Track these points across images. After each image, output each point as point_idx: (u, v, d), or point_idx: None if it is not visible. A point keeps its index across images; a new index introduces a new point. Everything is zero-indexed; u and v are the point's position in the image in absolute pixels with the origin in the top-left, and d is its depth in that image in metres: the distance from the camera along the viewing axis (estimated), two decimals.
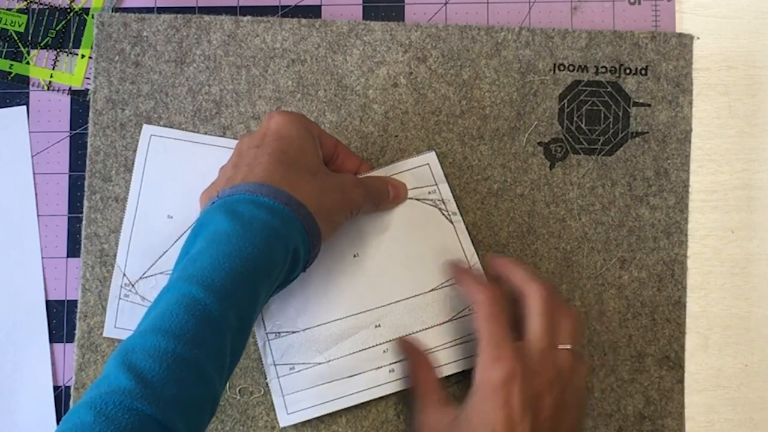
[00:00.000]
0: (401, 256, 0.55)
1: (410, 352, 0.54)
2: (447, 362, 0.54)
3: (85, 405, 0.37)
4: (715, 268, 0.57)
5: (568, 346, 0.49)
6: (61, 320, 0.58)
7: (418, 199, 0.56)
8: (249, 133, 0.53)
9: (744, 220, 0.58)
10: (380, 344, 0.54)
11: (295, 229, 0.45)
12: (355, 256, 0.55)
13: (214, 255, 0.42)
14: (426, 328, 0.55)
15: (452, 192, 0.56)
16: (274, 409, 0.55)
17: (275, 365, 0.54)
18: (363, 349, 0.54)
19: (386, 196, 0.54)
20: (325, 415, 0.54)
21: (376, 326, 0.54)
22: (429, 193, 0.56)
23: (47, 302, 0.58)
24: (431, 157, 0.56)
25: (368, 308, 0.55)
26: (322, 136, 0.51)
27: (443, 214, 0.56)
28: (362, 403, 0.54)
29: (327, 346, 0.54)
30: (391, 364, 0.54)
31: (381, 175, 0.56)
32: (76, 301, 0.57)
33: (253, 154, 0.48)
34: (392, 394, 0.54)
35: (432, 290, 0.55)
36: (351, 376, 0.54)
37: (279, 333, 0.54)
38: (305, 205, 0.46)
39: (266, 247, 0.43)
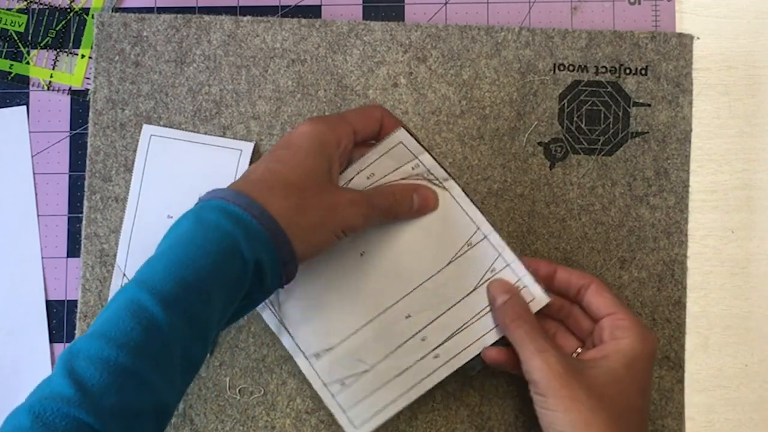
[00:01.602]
0: (408, 240, 0.53)
1: (501, 290, 0.51)
2: (485, 332, 0.52)
3: (24, 409, 0.37)
4: (715, 268, 0.57)
5: None
6: (61, 320, 0.58)
7: (404, 179, 0.53)
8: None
9: (744, 220, 0.58)
10: (416, 334, 0.52)
11: (259, 243, 0.43)
12: (362, 254, 0.54)
13: (167, 261, 0.42)
14: (455, 304, 0.52)
15: (435, 159, 0.53)
16: (274, 409, 0.55)
17: (326, 385, 0.53)
18: (401, 345, 0.52)
19: (403, 207, 0.52)
20: (326, 415, 0.54)
21: (406, 317, 0.52)
22: (413, 168, 0.53)
23: (47, 302, 0.58)
24: (401, 134, 0.53)
25: (392, 302, 0.53)
26: (344, 139, 0.49)
27: (434, 184, 0.53)
28: None
29: (366, 352, 0.52)
30: (433, 350, 0.52)
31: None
32: (76, 301, 0.57)
33: (264, 158, 0.48)
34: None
35: (449, 263, 0.53)
36: (399, 374, 0.52)
37: (318, 354, 0.53)
38: (277, 221, 0.44)
39: (221, 258, 0.42)
